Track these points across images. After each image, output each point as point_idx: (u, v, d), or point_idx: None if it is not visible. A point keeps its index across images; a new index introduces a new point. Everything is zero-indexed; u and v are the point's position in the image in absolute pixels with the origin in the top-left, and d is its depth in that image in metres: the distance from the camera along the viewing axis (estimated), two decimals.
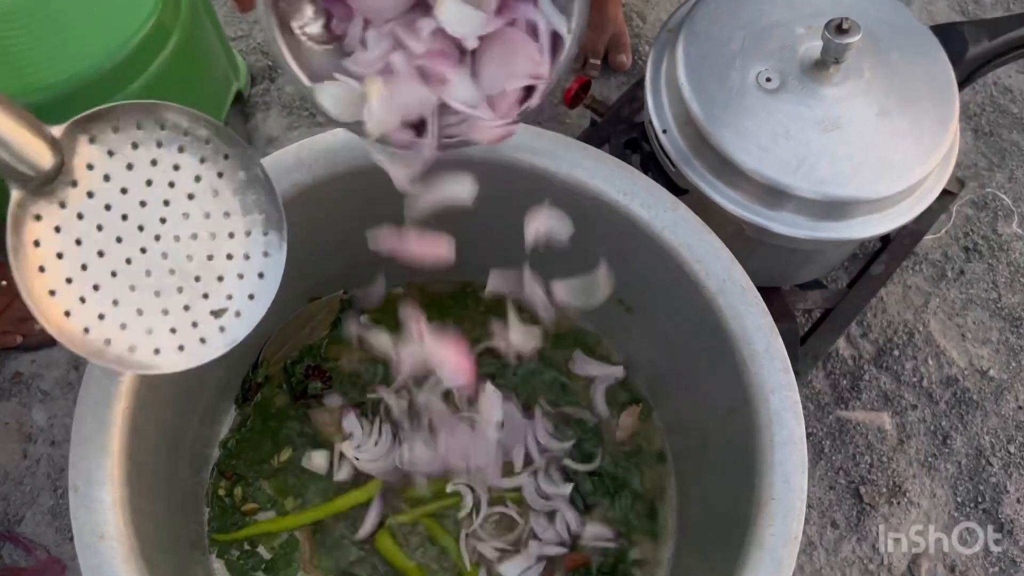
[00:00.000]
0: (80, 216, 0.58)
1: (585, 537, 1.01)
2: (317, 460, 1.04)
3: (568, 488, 1.02)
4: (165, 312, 0.62)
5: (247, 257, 0.65)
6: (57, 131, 0.56)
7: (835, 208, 1.00)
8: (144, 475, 0.81)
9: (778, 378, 0.81)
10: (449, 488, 1.02)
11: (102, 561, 0.71)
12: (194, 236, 0.62)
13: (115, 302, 0.60)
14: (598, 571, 1.00)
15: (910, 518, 1.32)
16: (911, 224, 1.23)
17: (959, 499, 1.33)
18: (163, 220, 0.61)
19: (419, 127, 0.63)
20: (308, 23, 0.62)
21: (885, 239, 1.25)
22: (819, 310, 1.23)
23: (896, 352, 1.41)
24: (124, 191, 0.60)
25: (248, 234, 0.65)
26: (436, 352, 0.81)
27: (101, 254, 0.59)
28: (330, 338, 1.10)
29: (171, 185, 0.61)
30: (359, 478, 1.04)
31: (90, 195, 0.59)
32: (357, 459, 1.03)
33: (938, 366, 1.41)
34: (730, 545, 0.81)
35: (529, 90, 0.62)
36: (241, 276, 0.65)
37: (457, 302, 1.14)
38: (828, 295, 1.20)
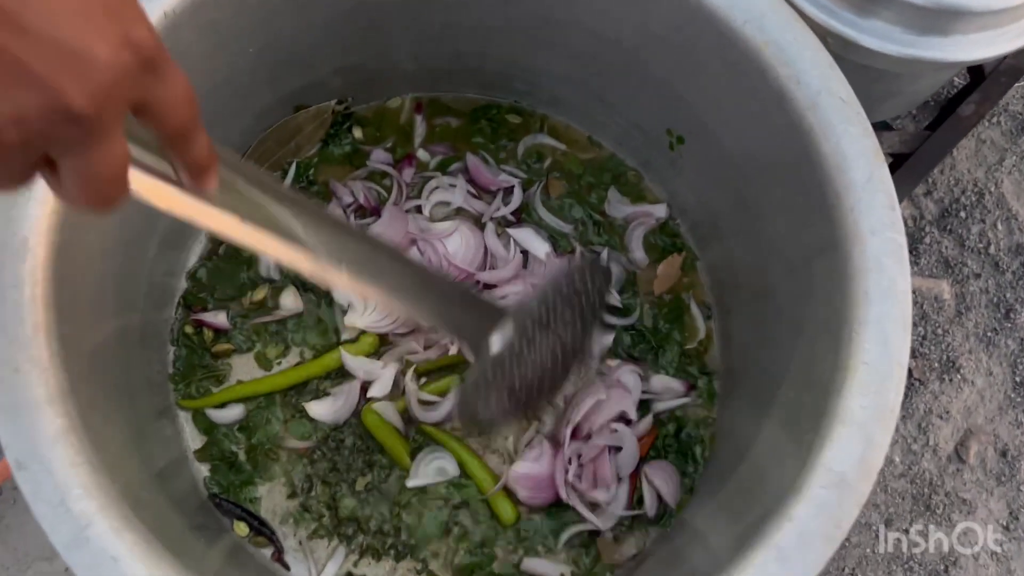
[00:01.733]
0: None
1: (652, 389, 0.87)
2: (287, 301, 0.88)
3: (609, 337, 0.88)
4: None
5: None
6: None
7: (941, 19, 0.81)
8: (81, 300, 0.65)
9: (880, 216, 0.64)
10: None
11: (16, 399, 0.56)
12: None
13: None
14: (664, 446, 0.87)
15: (962, 397, 1.18)
16: (1011, 58, 1.05)
17: (1018, 378, 1.20)
18: None
19: None
20: None
21: (977, 75, 1.06)
22: (888, 156, 1.05)
23: (962, 214, 1.25)
24: None
25: None
26: None
27: None
28: (320, 156, 0.93)
29: None
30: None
31: None
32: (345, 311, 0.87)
33: (1008, 231, 1.25)
34: (797, 423, 0.67)
35: None
36: None
37: (473, 123, 0.95)
38: (907, 137, 1.01)
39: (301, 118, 0.90)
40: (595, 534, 0.84)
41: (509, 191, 0.92)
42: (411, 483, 0.83)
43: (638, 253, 0.91)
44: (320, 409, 0.85)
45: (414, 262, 0.65)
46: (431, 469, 0.84)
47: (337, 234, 0.56)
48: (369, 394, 0.86)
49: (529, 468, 0.83)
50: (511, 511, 0.83)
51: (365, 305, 0.87)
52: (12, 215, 0.59)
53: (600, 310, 0.81)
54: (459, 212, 0.92)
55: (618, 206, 0.92)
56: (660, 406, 0.88)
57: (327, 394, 0.86)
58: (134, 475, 0.67)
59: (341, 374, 0.87)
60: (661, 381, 0.88)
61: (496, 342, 0.66)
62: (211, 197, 0.47)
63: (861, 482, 0.59)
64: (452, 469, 0.85)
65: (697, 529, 0.76)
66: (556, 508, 0.84)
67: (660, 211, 0.91)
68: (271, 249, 0.52)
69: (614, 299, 0.89)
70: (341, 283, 0.57)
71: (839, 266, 0.65)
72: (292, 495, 0.84)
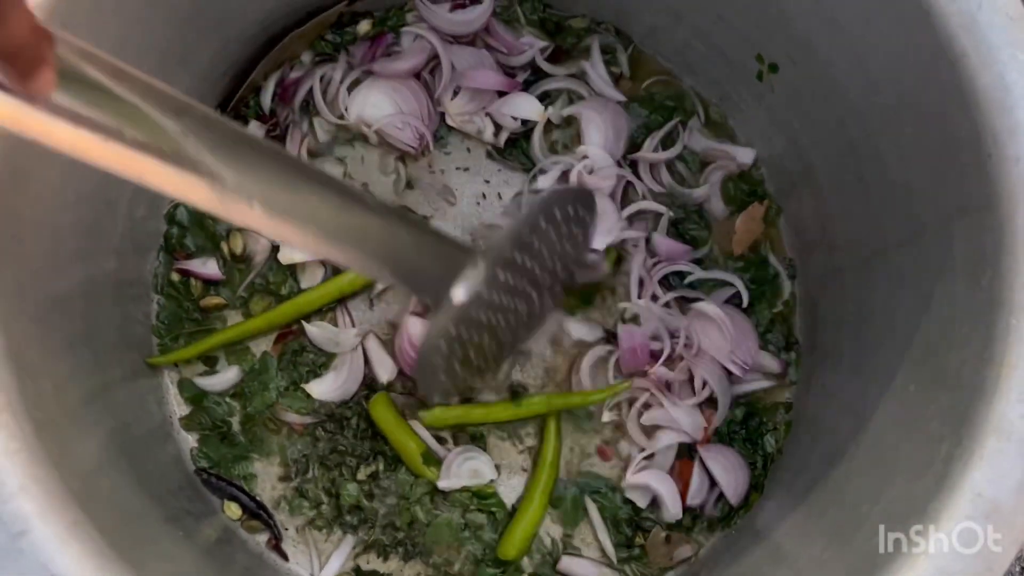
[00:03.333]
0: None
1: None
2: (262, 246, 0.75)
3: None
4: None
5: None
6: None
7: None
8: (30, 244, 0.52)
9: None
10: None
11: None
12: None
13: None
14: (728, 432, 0.74)
15: None
16: None
17: None
18: None
19: None
20: None
21: None
22: None
23: None
24: None
25: None
26: None
27: None
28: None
29: None
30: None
31: None
32: None
33: None
34: (924, 428, 0.53)
35: None
36: None
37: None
38: None
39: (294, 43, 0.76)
40: (641, 528, 0.72)
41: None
42: (443, 484, 0.71)
43: (715, 203, 0.77)
44: (321, 388, 0.72)
45: (352, 190, 0.51)
46: (464, 470, 0.71)
47: (246, 154, 0.42)
48: (380, 377, 0.73)
49: None
50: (517, 551, 0.71)
51: None
52: None
53: (584, 248, 0.67)
54: None
55: (698, 137, 0.77)
56: (739, 389, 0.74)
57: (325, 369, 0.73)
58: (94, 454, 0.55)
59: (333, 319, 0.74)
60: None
61: (461, 292, 0.53)
62: (54, 104, 0.35)
63: (1021, 514, 0.46)
64: (488, 472, 0.72)
65: (778, 544, 0.63)
66: None
67: (745, 156, 0.76)
68: (152, 176, 0.39)
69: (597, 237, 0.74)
70: (253, 221, 0.43)
71: (992, 232, 0.51)
72: (286, 476, 0.72)
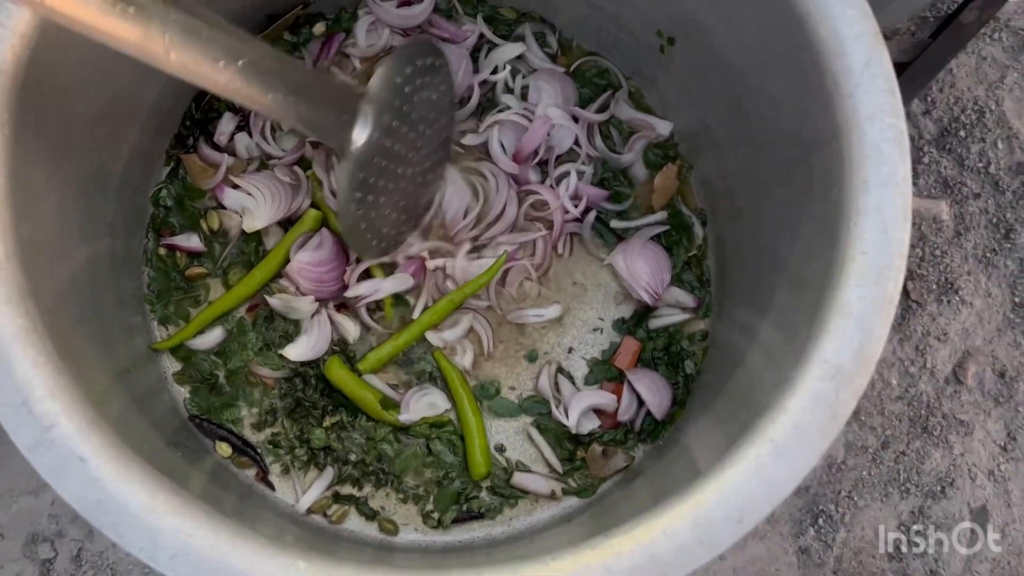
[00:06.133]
0: None
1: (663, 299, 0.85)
2: (234, 222, 0.85)
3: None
4: None
5: None
6: None
7: None
8: (43, 205, 0.62)
9: (880, 101, 0.61)
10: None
11: None
12: None
13: None
14: (652, 359, 0.85)
15: (960, 318, 1.16)
16: None
17: (1017, 299, 1.17)
18: None
19: None
20: None
21: None
22: None
23: (962, 133, 1.21)
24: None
25: None
26: None
27: None
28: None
29: None
30: None
31: None
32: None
33: (1009, 151, 1.21)
34: (794, 323, 0.64)
35: None
36: None
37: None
38: (906, 46, 0.98)
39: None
40: (581, 443, 0.83)
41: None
42: (404, 418, 0.81)
43: (638, 168, 0.88)
44: (296, 350, 0.82)
45: (257, 41, 0.59)
46: (422, 404, 0.82)
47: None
48: (347, 336, 0.84)
49: None
50: (484, 466, 0.81)
51: (255, 200, 0.83)
52: None
53: (450, 98, 0.73)
54: None
55: (624, 107, 0.89)
56: (657, 322, 0.85)
57: (297, 334, 0.83)
58: (105, 384, 0.65)
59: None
60: (672, 292, 0.86)
61: (360, 132, 0.59)
62: None
63: (858, 373, 0.57)
64: (442, 403, 0.83)
65: (689, 445, 0.74)
66: None
67: (663, 128, 0.87)
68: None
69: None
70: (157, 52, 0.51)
71: (838, 157, 0.62)
72: (259, 426, 0.83)
